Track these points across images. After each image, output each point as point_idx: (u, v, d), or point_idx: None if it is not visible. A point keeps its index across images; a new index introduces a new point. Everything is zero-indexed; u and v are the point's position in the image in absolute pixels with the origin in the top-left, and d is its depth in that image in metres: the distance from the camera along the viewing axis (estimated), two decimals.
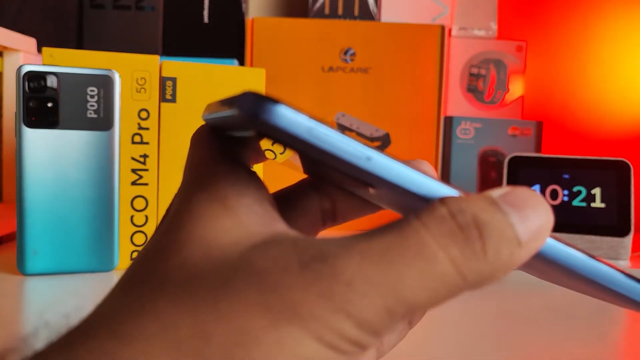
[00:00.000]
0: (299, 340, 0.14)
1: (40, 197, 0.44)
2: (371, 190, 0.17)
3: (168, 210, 0.19)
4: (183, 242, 0.17)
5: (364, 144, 0.16)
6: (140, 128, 0.49)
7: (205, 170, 0.18)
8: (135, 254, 0.49)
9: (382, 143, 0.71)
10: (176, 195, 0.19)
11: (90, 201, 0.45)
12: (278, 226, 0.17)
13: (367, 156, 0.15)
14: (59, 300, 0.40)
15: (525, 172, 0.60)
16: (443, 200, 0.16)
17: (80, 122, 0.45)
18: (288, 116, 0.15)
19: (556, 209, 0.58)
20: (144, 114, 0.49)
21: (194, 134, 0.21)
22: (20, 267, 0.44)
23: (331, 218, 0.23)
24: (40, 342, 0.17)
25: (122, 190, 0.48)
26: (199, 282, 0.15)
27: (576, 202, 0.58)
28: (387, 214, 0.19)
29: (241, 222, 0.17)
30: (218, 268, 0.15)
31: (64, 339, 0.15)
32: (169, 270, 0.16)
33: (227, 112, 0.16)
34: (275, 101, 0.15)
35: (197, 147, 0.20)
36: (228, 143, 0.20)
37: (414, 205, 0.16)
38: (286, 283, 0.15)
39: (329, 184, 0.22)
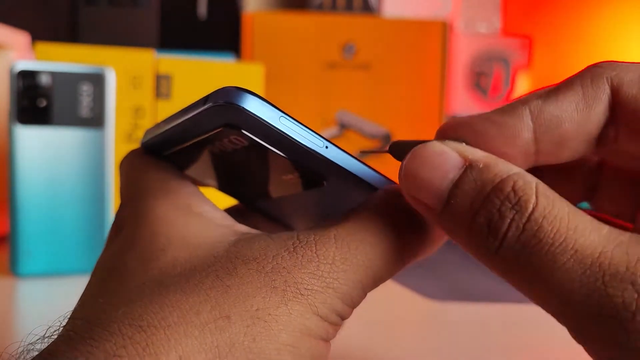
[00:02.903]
0: (303, 314, 0.17)
1: (33, 196, 0.44)
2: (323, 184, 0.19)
3: (119, 223, 0.21)
4: (165, 245, 0.18)
5: (322, 135, 0.18)
6: (135, 126, 0.48)
7: (159, 184, 0.20)
8: None
9: (383, 142, 0.70)
10: (125, 209, 0.21)
11: (83, 201, 0.45)
12: (240, 226, 0.20)
13: (325, 145, 0.18)
14: (54, 302, 0.40)
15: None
16: (386, 191, 0.19)
17: (73, 120, 0.44)
18: (262, 105, 0.17)
19: None
20: (139, 112, 0.48)
21: (128, 158, 0.22)
22: (13, 269, 0.44)
23: None
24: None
25: (117, 190, 0.47)
26: (201, 274, 0.17)
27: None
28: None
29: (210, 224, 0.19)
30: (213, 262, 0.17)
31: (77, 339, 0.16)
32: (162, 268, 0.18)
33: (197, 110, 0.17)
34: (250, 92, 0.16)
35: (138, 166, 0.22)
36: (167, 162, 0.22)
37: (354, 190, 0.19)
38: (283, 266, 0.17)
39: (254, 207, 0.25)
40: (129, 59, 0.48)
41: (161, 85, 0.49)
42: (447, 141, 0.17)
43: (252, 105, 0.16)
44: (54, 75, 0.43)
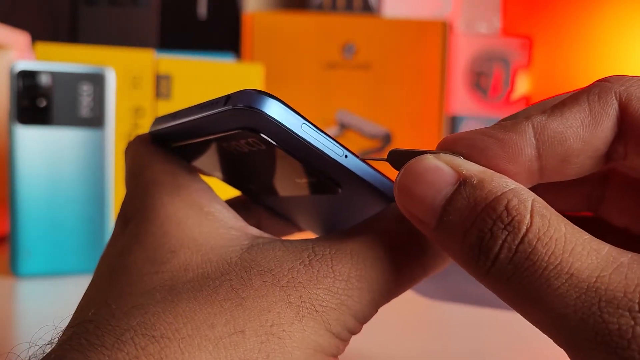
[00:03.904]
0: (316, 331, 0.17)
1: (33, 196, 0.44)
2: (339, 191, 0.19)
3: (126, 216, 0.20)
4: (176, 246, 0.18)
5: (341, 144, 0.18)
6: (135, 126, 0.48)
7: (168, 178, 0.20)
8: None
9: (383, 142, 0.70)
10: (132, 201, 0.20)
11: (83, 201, 0.45)
12: (251, 229, 0.19)
13: (345, 154, 0.18)
14: (54, 302, 0.40)
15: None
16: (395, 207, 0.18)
17: (73, 120, 0.44)
18: (284, 110, 0.16)
19: None
20: (139, 112, 0.48)
21: (134, 144, 0.21)
22: (13, 268, 0.44)
23: None
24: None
25: (117, 189, 0.47)
26: (214, 282, 0.17)
27: None
28: (305, 236, 0.22)
29: (221, 226, 0.19)
30: (226, 270, 0.17)
31: (88, 346, 0.15)
32: (173, 272, 0.17)
33: (216, 110, 0.17)
34: (272, 96, 0.16)
35: (145, 154, 0.21)
36: (175, 154, 0.21)
37: (368, 199, 0.19)
38: (298, 281, 0.17)
39: (259, 201, 0.25)
40: (129, 59, 0.48)
41: (161, 85, 0.49)
42: (442, 154, 0.17)
43: (274, 110, 0.16)
44: (54, 75, 0.43)
